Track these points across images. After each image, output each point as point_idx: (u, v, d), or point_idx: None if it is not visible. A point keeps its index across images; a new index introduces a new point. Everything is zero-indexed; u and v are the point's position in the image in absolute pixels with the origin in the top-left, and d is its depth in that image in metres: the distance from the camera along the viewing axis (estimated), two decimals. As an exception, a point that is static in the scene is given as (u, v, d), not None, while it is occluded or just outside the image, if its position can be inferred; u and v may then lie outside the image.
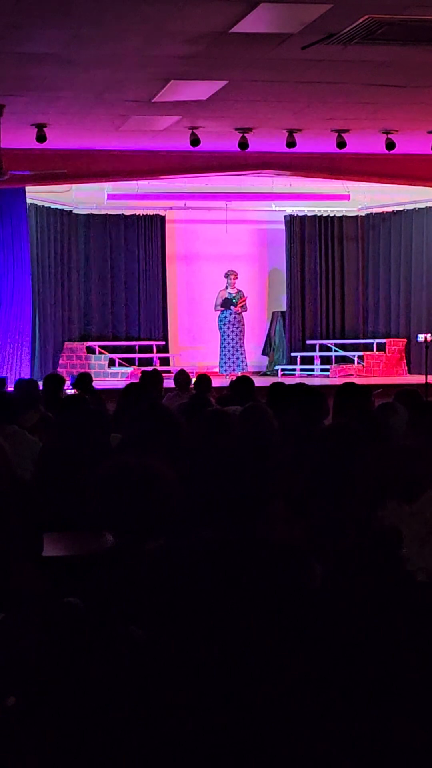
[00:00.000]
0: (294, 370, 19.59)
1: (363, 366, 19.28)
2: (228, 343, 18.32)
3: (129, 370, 18.27)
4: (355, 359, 19.52)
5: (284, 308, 20.42)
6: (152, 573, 2.99)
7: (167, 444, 4.66)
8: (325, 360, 19.76)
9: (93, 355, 18.85)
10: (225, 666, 2.59)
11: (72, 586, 3.29)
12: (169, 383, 12.11)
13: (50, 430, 6.63)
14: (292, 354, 20.01)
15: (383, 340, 19.78)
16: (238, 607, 2.74)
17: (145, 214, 19.79)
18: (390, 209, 20.10)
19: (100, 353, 18.93)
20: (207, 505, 3.57)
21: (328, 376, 18.86)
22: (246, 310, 18.52)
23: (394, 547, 3.86)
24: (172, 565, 2.99)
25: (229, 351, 18.30)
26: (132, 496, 3.43)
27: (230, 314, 18.32)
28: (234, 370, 17.78)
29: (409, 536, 4.23)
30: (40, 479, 5.45)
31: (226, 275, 18.64)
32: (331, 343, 20.01)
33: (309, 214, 20.44)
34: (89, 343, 19.06)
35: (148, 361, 18.84)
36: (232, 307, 18.31)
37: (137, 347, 19.45)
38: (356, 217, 20.57)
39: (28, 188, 17.48)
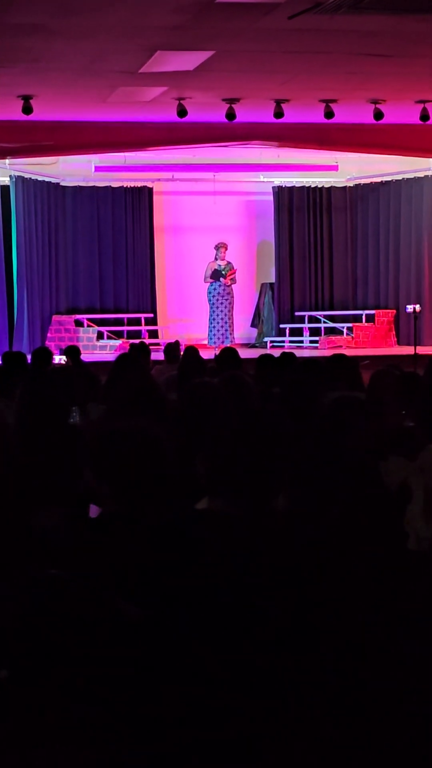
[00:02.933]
0: (283, 341, 19.57)
1: (352, 337, 19.27)
2: (217, 315, 18.28)
3: (117, 342, 18.24)
4: (344, 330, 19.52)
5: (273, 280, 20.38)
6: (150, 545, 2.97)
7: (154, 415, 4.65)
8: (314, 332, 19.75)
9: (81, 328, 18.82)
10: (225, 646, 2.59)
11: (61, 558, 3.28)
12: (157, 356, 12.09)
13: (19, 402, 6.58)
14: (281, 326, 19.97)
15: (372, 311, 19.77)
16: (243, 580, 2.72)
17: (132, 186, 19.71)
18: (378, 179, 20.06)
19: (89, 326, 18.91)
20: (215, 474, 3.53)
21: (317, 348, 18.86)
22: (235, 282, 18.48)
23: (403, 504, 3.81)
24: (173, 538, 2.97)
25: (217, 323, 18.26)
26: (126, 458, 3.38)
27: (219, 286, 18.29)
28: (223, 342, 17.74)
29: (417, 494, 4.20)
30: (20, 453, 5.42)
31: (216, 247, 18.58)
32: (320, 315, 20.00)
33: (297, 185, 20.37)
34: (77, 316, 19.03)
35: (137, 334, 18.81)
36: (221, 279, 18.27)
37: (126, 320, 19.41)
38: (345, 187, 20.51)
39: (14, 160, 17.42)
